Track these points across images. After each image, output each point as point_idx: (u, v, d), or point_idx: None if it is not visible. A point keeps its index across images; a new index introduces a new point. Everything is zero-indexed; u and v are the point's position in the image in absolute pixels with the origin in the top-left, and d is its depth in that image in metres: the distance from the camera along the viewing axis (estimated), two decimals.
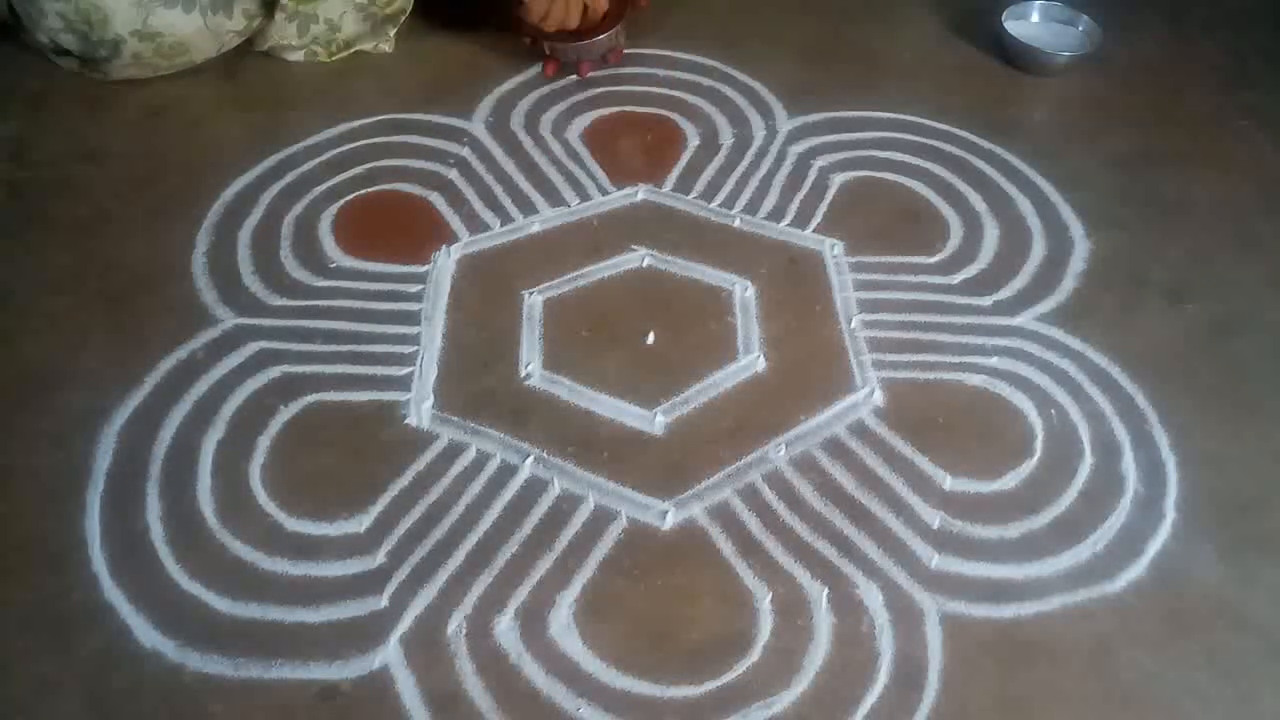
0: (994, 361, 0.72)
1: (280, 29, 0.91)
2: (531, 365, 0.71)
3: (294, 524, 0.62)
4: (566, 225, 0.81)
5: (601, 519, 0.62)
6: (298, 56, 0.93)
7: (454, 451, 0.66)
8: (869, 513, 0.63)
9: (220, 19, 0.88)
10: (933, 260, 0.80)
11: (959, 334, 0.74)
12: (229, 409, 0.67)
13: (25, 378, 0.69)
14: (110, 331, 0.72)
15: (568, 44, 0.91)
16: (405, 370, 0.70)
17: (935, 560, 0.61)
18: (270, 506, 0.62)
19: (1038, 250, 0.81)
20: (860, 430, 0.68)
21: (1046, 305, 0.77)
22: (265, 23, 0.91)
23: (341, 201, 0.82)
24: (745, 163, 0.87)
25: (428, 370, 0.70)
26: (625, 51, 0.96)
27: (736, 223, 0.82)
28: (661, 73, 0.96)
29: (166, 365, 0.69)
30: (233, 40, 0.91)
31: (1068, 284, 0.78)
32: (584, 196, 0.84)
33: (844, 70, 0.98)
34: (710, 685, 0.56)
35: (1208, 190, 0.87)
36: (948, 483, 0.65)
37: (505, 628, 0.57)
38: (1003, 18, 0.99)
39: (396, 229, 0.80)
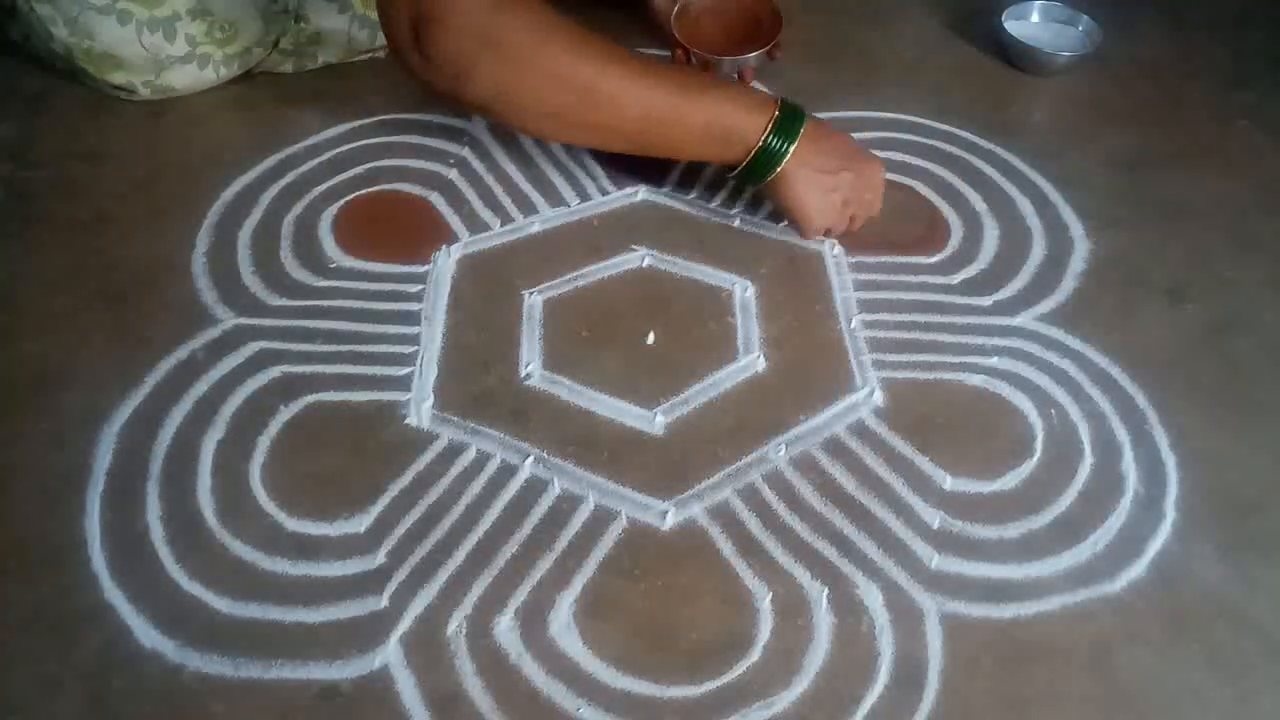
0: (994, 361, 0.72)
1: (276, 61, 0.92)
2: (531, 365, 0.71)
3: (294, 524, 0.62)
4: (566, 225, 0.81)
5: (601, 519, 0.63)
6: (287, 68, 0.94)
7: (454, 451, 0.66)
8: (869, 513, 0.63)
9: (234, 70, 0.90)
10: (933, 260, 0.80)
11: (959, 334, 0.74)
12: (229, 409, 0.67)
13: (25, 378, 0.69)
14: (110, 331, 0.72)
15: (723, 57, 0.89)
16: (405, 370, 0.70)
17: (935, 560, 0.61)
18: (270, 506, 0.62)
19: (1038, 250, 0.81)
20: (860, 430, 0.68)
21: (1046, 305, 0.77)
22: (264, 56, 0.92)
23: (341, 201, 0.82)
24: None
25: (428, 370, 0.70)
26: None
27: (736, 223, 0.82)
28: None
29: (166, 365, 0.69)
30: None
31: (1068, 284, 0.78)
32: (584, 196, 0.84)
33: (844, 70, 0.98)
34: (710, 685, 0.56)
35: (1208, 190, 0.87)
36: (948, 483, 0.65)
37: (505, 628, 0.57)
38: (1003, 18, 0.99)
39: (396, 229, 0.80)
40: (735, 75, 0.93)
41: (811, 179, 0.75)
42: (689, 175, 0.86)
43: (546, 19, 0.69)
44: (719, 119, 0.72)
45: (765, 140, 0.72)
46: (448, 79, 0.69)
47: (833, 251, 0.80)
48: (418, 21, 0.67)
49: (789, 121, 0.73)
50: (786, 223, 0.81)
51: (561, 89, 0.70)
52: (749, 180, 0.77)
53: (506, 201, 0.83)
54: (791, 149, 0.73)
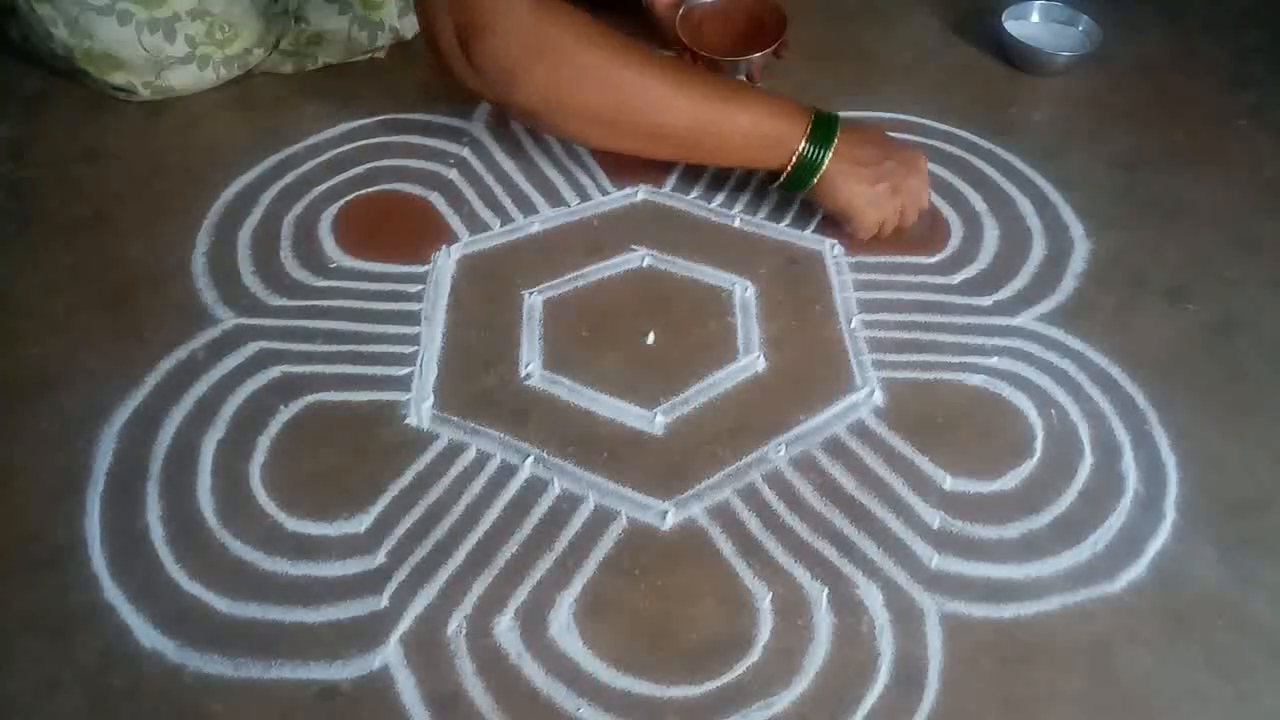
0: (994, 361, 0.72)
1: (276, 62, 0.92)
2: (531, 365, 0.71)
3: (294, 524, 0.62)
4: (566, 225, 0.81)
5: (601, 519, 0.63)
6: (287, 68, 0.94)
7: (454, 451, 0.66)
8: (869, 513, 0.63)
9: (234, 71, 0.90)
10: (933, 260, 0.80)
11: (959, 334, 0.74)
12: (229, 409, 0.67)
13: (25, 378, 0.69)
14: (110, 331, 0.72)
15: (729, 58, 0.90)
16: (405, 370, 0.70)
17: (935, 560, 0.61)
18: (270, 506, 0.62)
19: (1038, 250, 0.81)
20: (860, 430, 0.68)
21: (1046, 305, 0.77)
22: (264, 57, 0.91)
23: (341, 201, 0.82)
24: None
25: (428, 370, 0.70)
26: None
27: (736, 223, 0.82)
28: None
29: (166, 365, 0.69)
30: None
31: (1068, 284, 0.78)
32: (584, 196, 0.84)
33: (844, 70, 0.98)
34: (710, 685, 0.56)
35: (1208, 190, 0.87)
36: (948, 483, 0.65)
37: (505, 628, 0.57)
38: (1003, 18, 0.99)
39: (396, 229, 0.80)
40: (743, 76, 0.93)
41: (855, 174, 0.75)
42: (689, 175, 0.86)
43: (591, 26, 0.70)
44: (762, 124, 0.74)
45: (804, 147, 0.73)
46: (496, 86, 0.70)
47: (833, 252, 0.80)
48: (464, 30, 0.67)
49: (823, 126, 0.74)
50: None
51: (610, 94, 0.71)
52: (794, 185, 0.77)
53: (506, 201, 0.83)
54: (829, 152, 0.74)
